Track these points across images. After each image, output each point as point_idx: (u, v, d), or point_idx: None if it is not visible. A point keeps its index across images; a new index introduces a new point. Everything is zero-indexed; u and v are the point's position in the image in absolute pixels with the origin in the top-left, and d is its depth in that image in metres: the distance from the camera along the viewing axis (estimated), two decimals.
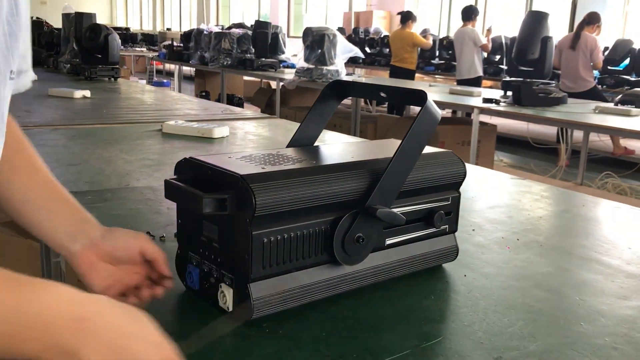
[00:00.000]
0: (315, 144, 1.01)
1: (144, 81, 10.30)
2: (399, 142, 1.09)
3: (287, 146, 0.98)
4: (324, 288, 0.81)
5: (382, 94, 0.96)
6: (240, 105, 7.63)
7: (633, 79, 5.89)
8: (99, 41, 4.08)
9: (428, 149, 0.99)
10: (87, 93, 3.04)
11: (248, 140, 2.10)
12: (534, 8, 9.80)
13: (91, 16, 4.43)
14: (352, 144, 1.04)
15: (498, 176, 1.80)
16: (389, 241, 0.88)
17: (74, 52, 4.51)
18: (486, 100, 3.84)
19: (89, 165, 1.60)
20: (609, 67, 6.08)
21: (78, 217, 0.79)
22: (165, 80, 11.16)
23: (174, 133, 2.09)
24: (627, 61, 6.04)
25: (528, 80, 4.13)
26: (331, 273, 0.82)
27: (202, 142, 1.99)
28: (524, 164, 5.66)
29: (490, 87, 7.70)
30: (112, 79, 4.09)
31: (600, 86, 6.08)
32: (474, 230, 1.19)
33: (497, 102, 3.79)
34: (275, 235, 0.75)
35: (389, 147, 1.05)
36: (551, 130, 6.35)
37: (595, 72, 6.16)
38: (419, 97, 0.87)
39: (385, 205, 0.83)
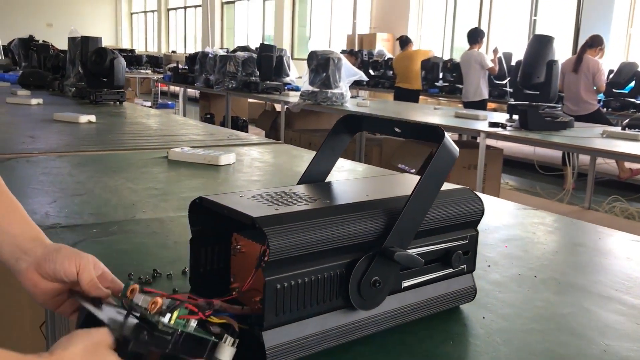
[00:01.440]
0: (327, 178, 0.98)
1: (149, 103, 10.34)
2: (413, 177, 1.07)
3: (299, 182, 0.96)
4: (339, 334, 0.78)
5: (397, 129, 0.93)
6: (245, 127, 7.64)
7: (638, 101, 5.88)
8: (104, 65, 4.09)
9: (444, 186, 0.97)
10: (92, 118, 3.03)
11: (254, 168, 2.08)
12: (538, 31, 9.85)
13: (97, 40, 4.45)
14: (366, 180, 1.01)
15: (509, 206, 1.77)
16: (405, 283, 0.85)
17: (79, 75, 4.52)
18: (492, 125, 3.82)
19: (95, 195, 1.58)
20: (614, 90, 6.07)
21: (26, 236, 0.79)
22: (170, 102, 11.20)
23: (180, 160, 2.07)
24: (632, 84, 6.04)
25: (534, 104, 4.12)
26: (346, 319, 0.78)
27: (209, 170, 1.96)
28: (530, 187, 5.63)
29: (495, 109, 7.71)
30: (118, 102, 4.09)
31: (605, 109, 6.07)
32: (489, 266, 1.15)
33: (503, 126, 3.77)
34: (289, 280, 0.72)
35: (404, 183, 1.02)
36: (557, 153, 6.33)
37: (600, 95, 6.15)
38: (436, 134, 0.84)
39: (402, 247, 0.80)
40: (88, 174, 1.82)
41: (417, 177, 1.08)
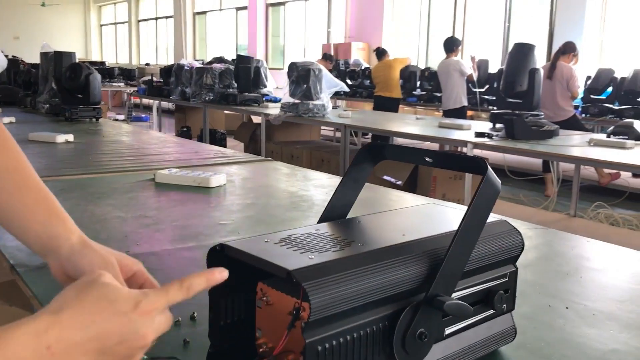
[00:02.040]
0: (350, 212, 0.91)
1: (122, 116, 10.15)
2: (440, 207, 1.00)
3: (322, 218, 0.88)
4: None
5: (428, 159, 0.86)
6: (224, 140, 7.52)
7: (616, 107, 5.93)
8: (79, 81, 3.96)
9: None
10: (70, 137, 2.91)
11: (248, 189, 1.99)
12: (512, 38, 9.94)
13: (71, 55, 4.31)
14: (394, 215, 0.93)
15: (514, 223, 1.71)
16: (448, 330, 0.77)
17: (52, 91, 4.37)
18: (479, 134, 3.78)
19: (82, 227, 1.45)
20: (592, 96, 6.12)
21: (49, 233, 0.79)
22: (143, 115, 11.02)
23: (168, 183, 1.97)
24: (609, 89, 6.09)
25: (517, 112, 4.10)
26: None
27: (199, 193, 1.87)
28: (512, 194, 5.62)
29: (472, 117, 7.72)
30: (94, 119, 3.96)
31: (584, 115, 6.11)
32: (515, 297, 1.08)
33: (489, 136, 3.74)
34: (331, 340, 0.64)
35: (437, 217, 0.95)
36: (528, 159, 6.34)
37: (578, 101, 6.20)
38: (477, 166, 0.77)
39: (447, 293, 0.72)
40: (73, 201, 1.71)
41: (446, 207, 1.01)
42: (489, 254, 0.82)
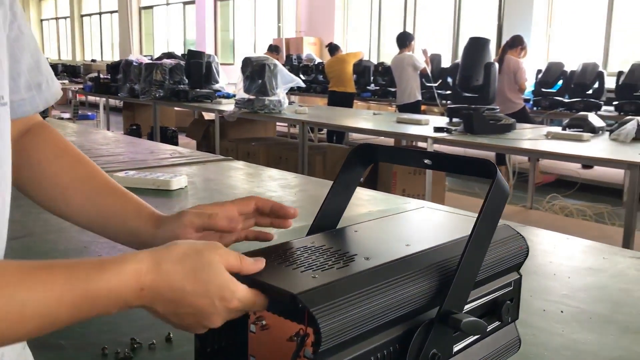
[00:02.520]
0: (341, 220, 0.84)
1: (68, 114, 9.78)
2: (436, 213, 0.94)
3: (312, 229, 0.80)
4: None
5: (427, 161, 0.79)
6: (175, 137, 7.33)
7: (566, 100, 6.05)
8: None
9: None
10: None
11: (212, 192, 1.89)
12: (462, 33, 10.06)
13: None
14: (389, 222, 0.86)
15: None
16: (456, 347, 0.71)
17: None
18: (437, 129, 3.77)
19: (37, 237, 1.35)
20: (542, 90, 6.23)
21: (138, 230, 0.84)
22: (90, 113, 10.66)
23: (126, 186, 1.85)
24: (560, 83, 6.21)
25: (474, 107, 4.12)
26: None
27: (160, 196, 1.76)
28: (466, 187, 5.67)
29: (425, 112, 7.77)
30: None
31: (535, 108, 6.22)
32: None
33: (448, 130, 3.73)
34: None
35: (436, 223, 0.88)
36: (486, 152, 6.41)
37: (528, 94, 6.30)
38: (485, 169, 0.71)
39: (459, 308, 0.66)
40: (24, 209, 1.57)
41: (441, 212, 0.95)
42: (496, 262, 0.76)
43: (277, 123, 6.88)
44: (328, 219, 0.83)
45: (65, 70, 11.09)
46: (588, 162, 2.88)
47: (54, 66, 11.63)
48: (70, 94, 10.16)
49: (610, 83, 5.91)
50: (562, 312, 1.02)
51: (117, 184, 0.89)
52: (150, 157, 2.53)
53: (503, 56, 5.74)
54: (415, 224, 0.86)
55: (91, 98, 11.30)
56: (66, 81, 10.50)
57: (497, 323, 0.77)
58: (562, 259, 1.32)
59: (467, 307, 0.71)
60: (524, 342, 0.89)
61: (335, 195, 0.83)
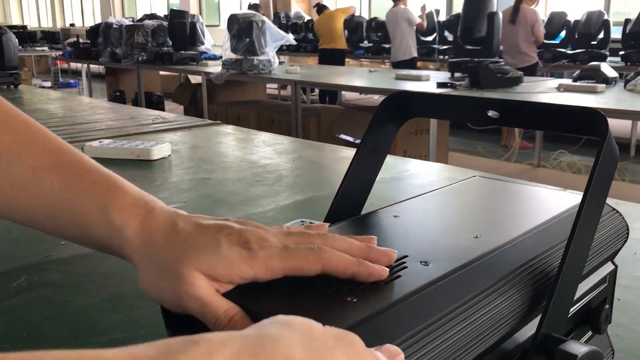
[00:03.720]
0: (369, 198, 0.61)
1: (49, 83, 9.43)
2: (491, 183, 0.71)
3: (332, 212, 0.58)
4: None
5: (491, 114, 0.56)
6: (161, 103, 7.04)
7: (570, 52, 5.79)
8: None
9: (562, 199, 0.62)
10: None
11: (198, 161, 1.66)
12: None
13: None
14: (436, 200, 0.64)
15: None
16: None
17: None
18: (440, 85, 3.53)
19: None
20: (545, 41, 5.96)
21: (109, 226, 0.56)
22: (72, 81, 10.30)
23: (101, 157, 1.61)
24: (562, 34, 5.95)
25: (477, 60, 3.88)
26: None
27: (140, 168, 1.53)
28: (468, 146, 5.45)
29: (420, 68, 7.50)
30: (12, 86, 3.48)
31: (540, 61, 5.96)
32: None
33: (452, 86, 3.49)
34: None
35: (499, 199, 0.66)
36: None
37: None
38: (589, 124, 0.49)
39: (559, 329, 0.45)
40: None
41: (496, 182, 0.73)
42: (595, 253, 0.54)
43: (268, 85, 6.60)
44: (352, 199, 0.60)
45: (44, 37, 10.66)
46: (609, 116, 2.66)
47: (33, 33, 11.21)
48: (50, 61, 9.78)
49: (615, 32, 5.65)
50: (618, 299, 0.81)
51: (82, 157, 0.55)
52: (131, 124, 2.28)
53: (518, 5, 5.39)
54: (472, 202, 0.64)
55: (73, 65, 10.91)
56: (45, 48, 10.10)
57: (589, 334, 0.56)
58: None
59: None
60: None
61: (362, 165, 0.60)
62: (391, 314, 0.37)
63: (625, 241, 0.60)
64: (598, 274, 0.57)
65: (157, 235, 0.42)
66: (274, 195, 1.29)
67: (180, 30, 5.82)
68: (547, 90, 3.31)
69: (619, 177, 4.18)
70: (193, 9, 14.63)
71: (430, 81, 3.88)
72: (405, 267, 0.43)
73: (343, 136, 4.05)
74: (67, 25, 18.26)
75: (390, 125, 0.61)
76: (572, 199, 0.61)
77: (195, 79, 6.75)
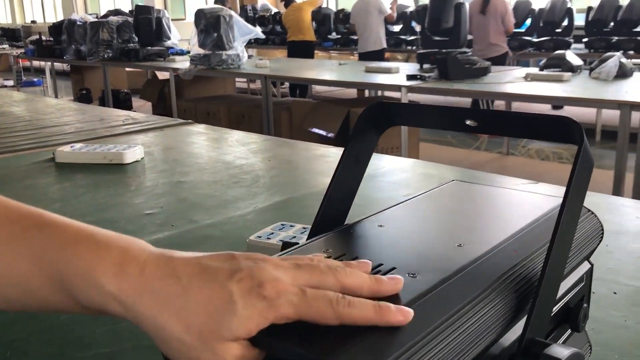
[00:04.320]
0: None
1: (11, 82, 9.21)
2: (470, 187, 0.72)
3: (316, 225, 0.58)
4: None
5: (470, 122, 0.57)
6: (128, 100, 6.94)
7: (535, 40, 5.88)
8: None
9: (544, 203, 0.63)
10: None
11: (172, 163, 1.64)
12: None
13: None
14: (417, 206, 0.65)
15: (448, 169, 1.48)
16: None
17: None
18: (410, 77, 3.55)
19: None
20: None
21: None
22: (36, 79, 10.07)
23: (73, 162, 1.59)
24: (528, 22, 6.03)
25: (445, 51, 3.91)
26: None
27: (112, 172, 1.52)
28: (439, 136, 5.50)
29: (388, 59, 7.53)
30: None
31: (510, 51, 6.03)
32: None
33: (422, 78, 3.52)
34: None
35: (479, 204, 0.67)
36: (460, 99, 6.25)
37: None
38: (566, 131, 0.50)
39: (542, 332, 0.46)
40: None
41: (475, 186, 0.74)
42: (571, 256, 0.56)
43: (237, 79, 6.55)
44: (337, 208, 0.61)
45: (4, 35, 10.40)
46: (573, 104, 2.72)
47: None
48: (12, 60, 9.55)
49: (579, 20, 5.75)
50: (615, 293, 0.83)
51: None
52: (100, 126, 2.25)
53: None
54: (453, 208, 0.65)
55: (36, 63, 10.67)
56: (6, 46, 9.86)
57: (568, 332, 0.58)
58: None
59: None
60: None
61: (345, 175, 0.61)
62: (383, 330, 0.37)
63: (601, 241, 0.62)
64: (576, 274, 0.59)
65: (161, 297, 0.37)
66: (251, 197, 1.29)
67: (146, 25, 5.74)
68: (514, 80, 3.35)
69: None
70: (158, 3, 14.42)
71: (400, 73, 3.90)
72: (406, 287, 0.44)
73: (315, 130, 4.05)
74: (28, 21, 17.83)
75: (371, 134, 0.62)
76: (549, 202, 0.63)
77: (162, 75, 6.67)
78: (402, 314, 0.37)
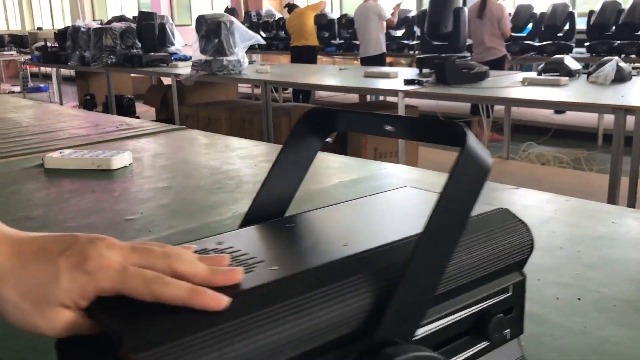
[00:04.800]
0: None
1: (18, 88, 9.29)
2: (420, 193, 0.73)
3: (246, 219, 0.60)
4: None
5: (388, 127, 0.58)
6: (132, 106, 6.98)
7: (537, 44, 5.87)
8: None
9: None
10: None
11: (160, 169, 1.66)
12: None
13: None
14: (344, 210, 0.65)
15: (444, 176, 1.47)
16: None
17: None
18: (408, 82, 3.56)
19: None
20: (512, 34, 6.03)
21: None
22: (42, 85, 10.16)
23: (61, 168, 1.61)
24: (529, 26, 6.02)
25: (444, 55, 3.91)
26: None
27: (100, 178, 1.53)
28: None
29: (391, 63, 7.54)
30: None
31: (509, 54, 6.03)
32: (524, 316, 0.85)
33: (419, 82, 3.52)
34: None
35: (410, 208, 0.67)
36: (460, 104, 6.24)
37: None
38: (453, 134, 0.50)
39: (406, 333, 0.46)
40: None
41: (426, 193, 0.74)
42: (481, 262, 0.54)
43: (240, 84, 6.58)
44: (269, 209, 0.62)
45: (12, 41, 10.50)
46: (569, 109, 2.71)
47: (0, 37, 11.02)
48: (19, 66, 9.64)
49: (580, 24, 5.73)
50: (579, 299, 0.83)
51: None
52: (94, 132, 2.27)
53: (485, 0, 5.43)
54: (378, 212, 0.65)
55: (44, 69, 10.76)
56: (14, 52, 9.95)
57: (485, 344, 0.57)
58: (566, 226, 1.14)
59: (436, 325, 0.50)
60: (542, 345, 0.70)
61: (280, 177, 0.62)
62: (196, 313, 0.39)
63: (530, 252, 0.60)
64: (497, 283, 0.57)
65: (4, 272, 0.43)
66: (232, 202, 1.30)
67: (148, 31, 5.78)
68: (512, 85, 3.35)
69: (586, 167, 4.25)
70: (164, 9, 14.51)
71: (398, 78, 3.91)
72: (253, 270, 0.45)
73: None
74: (35, 28, 17.99)
75: (312, 138, 0.63)
76: (478, 208, 0.61)
77: (167, 81, 6.72)
78: (216, 300, 0.39)
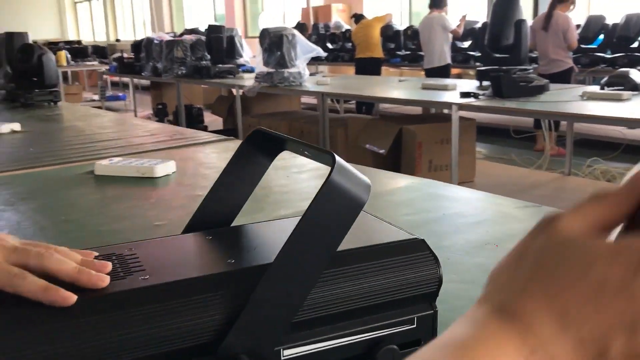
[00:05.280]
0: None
1: (97, 96, 9.81)
2: (369, 217, 0.72)
3: (186, 228, 0.68)
4: None
5: (306, 153, 0.63)
6: (200, 115, 7.23)
7: (608, 56, 5.65)
8: (32, 62, 3.67)
9: (378, 236, 0.60)
10: (17, 126, 2.64)
11: (200, 177, 1.74)
12: None
13: (23, 35, 4.00)
14: (288, 223, 0.68)
15: (505, 187, 1.46)
16: None
17: (9, 76, 4.08)
18: (464, 95, 3.53)
19: None
20: (582, 46, 5.83)
21: None
22: (120, 94, 10.67)
23: (109, 175, 1.71)
24: (600, 37, 5.80)
25: (505, 68, 3.85)
26: None
27: (142, 185, 1.62)
28: (503, 153, 5.38)
29: (460, 75, 7.46)
30: (52, 103, 3.67)
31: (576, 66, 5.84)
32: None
33: (475, 95, 3.48)
34: None
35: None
36: (515, 118, 6.06)
37: None
38: (327, 160, 0.54)
39: (256, 350, 0.48)
40: None
41: (371, 215, 0.70)
42: (374, 291, 0.54)
43: (303, 95, 6.70)
44: (215, 215, 0.69)
45: (95, 52, 11.11)
46: (625, 125, 2.61)
47: (84, 49, 11.68)
48: (99, 76, 10.19)
49: None
50: None
51: None
52: (148, 140, 2.39)
53: (552, 12, 5.28)
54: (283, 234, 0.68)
55: (123, 78, 11.31)
56: (95, 62, 10.53)
57: None
58: None
59: (318, 347, 0.52)
60: None
61: (222, 190, 0.69)
62: (44, 307, 0.45)
63: (438, 287, 0.59)
64: (395, 314, 0.56)
65: None
66: (257, 211, 1.35)
67: (217, 44, 5.98)
68: (570, 99, 3.26)
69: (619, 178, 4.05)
70: (238, 21, 14.92)
71: (455, 91, 3.87)
72: (123, 278, 0.49)
73: (369, 146, 4.08)
74: (120, 39, 18.92)
75: (260, 157, 0.68)
76: (396, 235, 0.61)
77: (234, 91, 6.93)
78: (63, 298, 0.45)
